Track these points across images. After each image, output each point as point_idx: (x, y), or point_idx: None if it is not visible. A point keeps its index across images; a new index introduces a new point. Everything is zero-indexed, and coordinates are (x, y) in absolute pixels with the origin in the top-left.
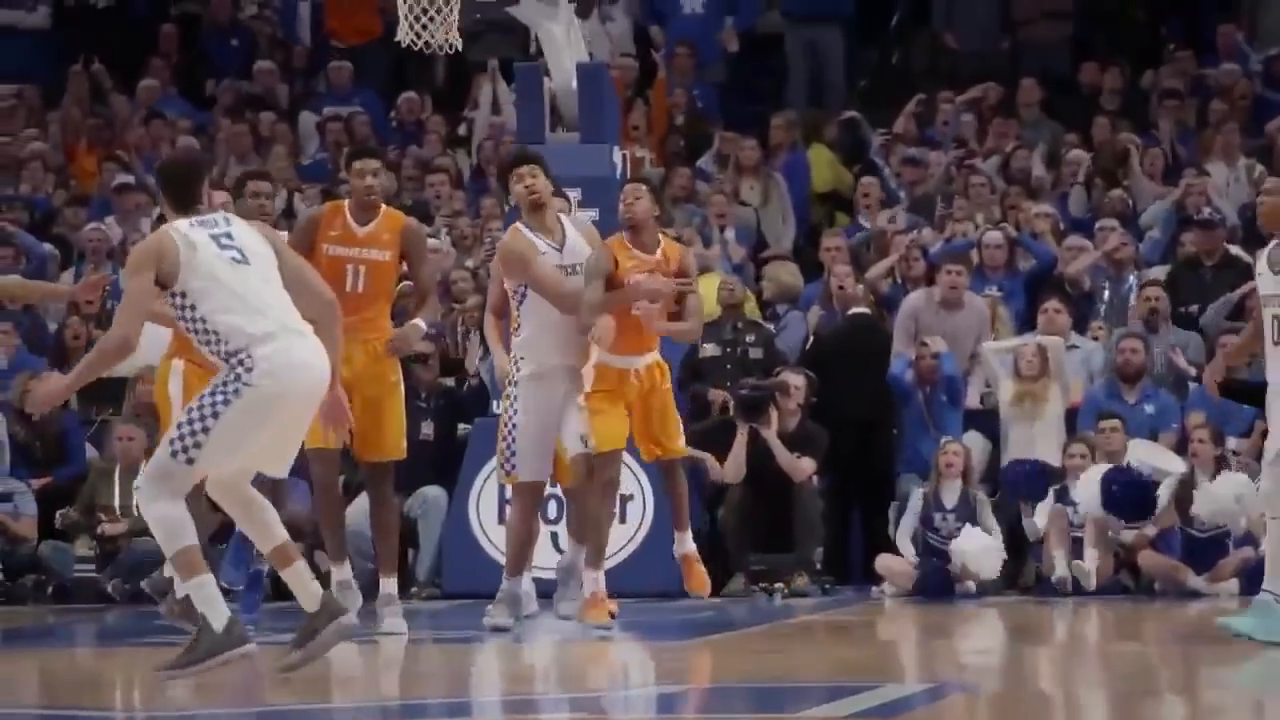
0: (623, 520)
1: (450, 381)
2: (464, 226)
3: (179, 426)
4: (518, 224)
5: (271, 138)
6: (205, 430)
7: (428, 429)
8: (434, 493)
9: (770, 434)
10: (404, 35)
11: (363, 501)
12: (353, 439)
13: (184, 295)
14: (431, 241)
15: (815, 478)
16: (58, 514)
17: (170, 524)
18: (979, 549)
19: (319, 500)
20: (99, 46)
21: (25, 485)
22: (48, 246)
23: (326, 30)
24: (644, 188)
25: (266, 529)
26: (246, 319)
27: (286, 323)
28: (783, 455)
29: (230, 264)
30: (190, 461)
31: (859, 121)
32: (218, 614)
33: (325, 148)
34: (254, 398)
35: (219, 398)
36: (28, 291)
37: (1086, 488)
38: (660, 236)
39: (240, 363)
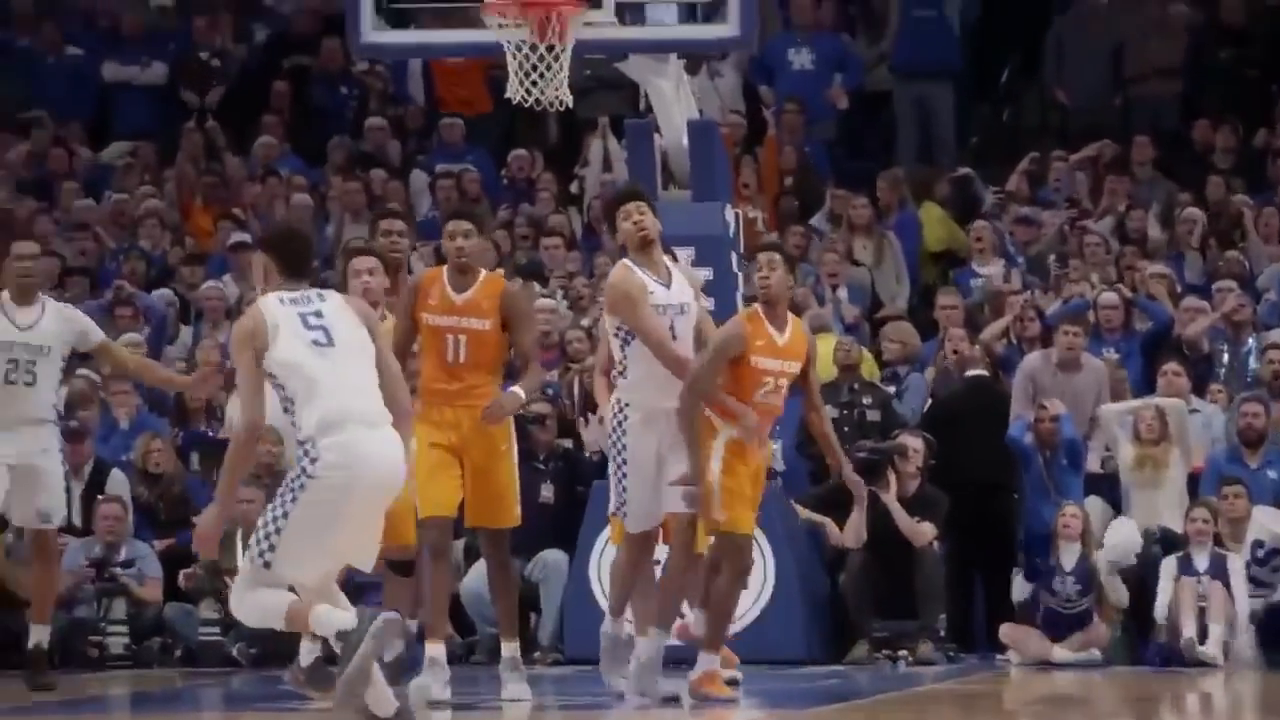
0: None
1: (568, 443)
2: (579, 286)
3: (256, 530)
4: (626, 260)
5: (384, 195)
6: (278, 531)
7: (547, 492)
8: (554, 556)
9: (890, 498)
10: (514, 92)
11: (484, 566)
12: (465, 506)
13: (272, 375)
14: (546, 301)
15: (936, 542)
16: (181, 575)
17: (264, 605)
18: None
19: (428, 566)
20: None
21: (149, 547)
22: (167, 294)
23: (436, 98)
24: (779, 258)
25: None
26: (320, 405)
27: (361, 412)
28: (903, 520)
29: (311, 347)
30: (268, 565)
31: (972, 179)
32: (344, 619)
33: (437, 205)
34: (319, 490)
35: (289, 496)
36: (144, 373)
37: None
38: (789, 316)
39: (306, 453)
